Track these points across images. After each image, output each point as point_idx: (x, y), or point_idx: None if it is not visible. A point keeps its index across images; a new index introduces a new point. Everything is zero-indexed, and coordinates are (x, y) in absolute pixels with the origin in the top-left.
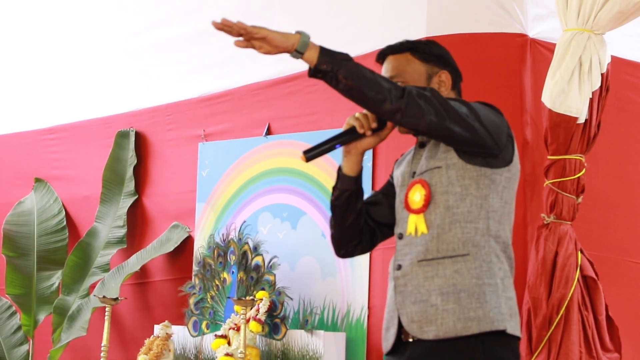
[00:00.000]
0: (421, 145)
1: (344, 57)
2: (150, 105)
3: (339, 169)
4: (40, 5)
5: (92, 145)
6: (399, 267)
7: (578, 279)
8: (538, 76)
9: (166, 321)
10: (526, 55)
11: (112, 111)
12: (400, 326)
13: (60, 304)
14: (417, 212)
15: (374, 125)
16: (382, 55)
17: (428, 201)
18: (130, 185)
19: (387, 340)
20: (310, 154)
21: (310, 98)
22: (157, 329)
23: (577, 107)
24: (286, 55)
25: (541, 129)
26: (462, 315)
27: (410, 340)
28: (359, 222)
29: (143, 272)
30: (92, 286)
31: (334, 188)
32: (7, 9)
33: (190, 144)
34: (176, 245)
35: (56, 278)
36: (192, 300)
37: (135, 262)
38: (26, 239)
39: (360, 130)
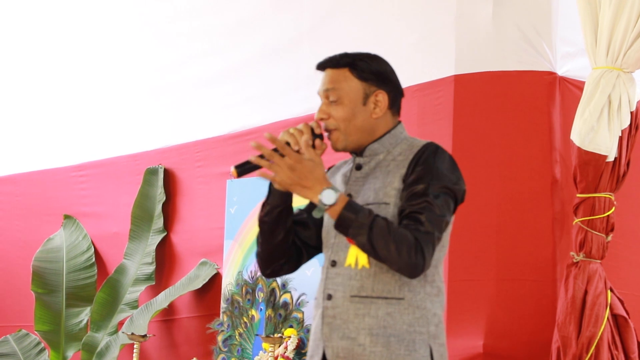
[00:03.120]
0: (358, 167)
1: None
2: (179, 143)
3: (270, 185)
4: (71, 44)
5: (121, 182)
6: (329, 297)
7: (608, 317)
8: (567, 114)
9: (194, 358)
10: (555, 93)
11: (141, 148)
12: (324, 357)
13: (89, 341)
14: None
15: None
16: (322, 66)
17: None
18: (159, 222)
19: None
20: (242, 169)
21: None
22: None
23: (607, 145)
24: (314, 92)
25: (570, 167)
26: None
27: None
28: (288, 239)
29: (171, 309)
30: (121, 323)
31: (264, 204)
32: (38, 46)
33: (219, 181)
34: (204, 282)
35: (85, 315)
36: (220, 338)
37: (163, 299)
38: (55, 276)
39: (295, 148)
